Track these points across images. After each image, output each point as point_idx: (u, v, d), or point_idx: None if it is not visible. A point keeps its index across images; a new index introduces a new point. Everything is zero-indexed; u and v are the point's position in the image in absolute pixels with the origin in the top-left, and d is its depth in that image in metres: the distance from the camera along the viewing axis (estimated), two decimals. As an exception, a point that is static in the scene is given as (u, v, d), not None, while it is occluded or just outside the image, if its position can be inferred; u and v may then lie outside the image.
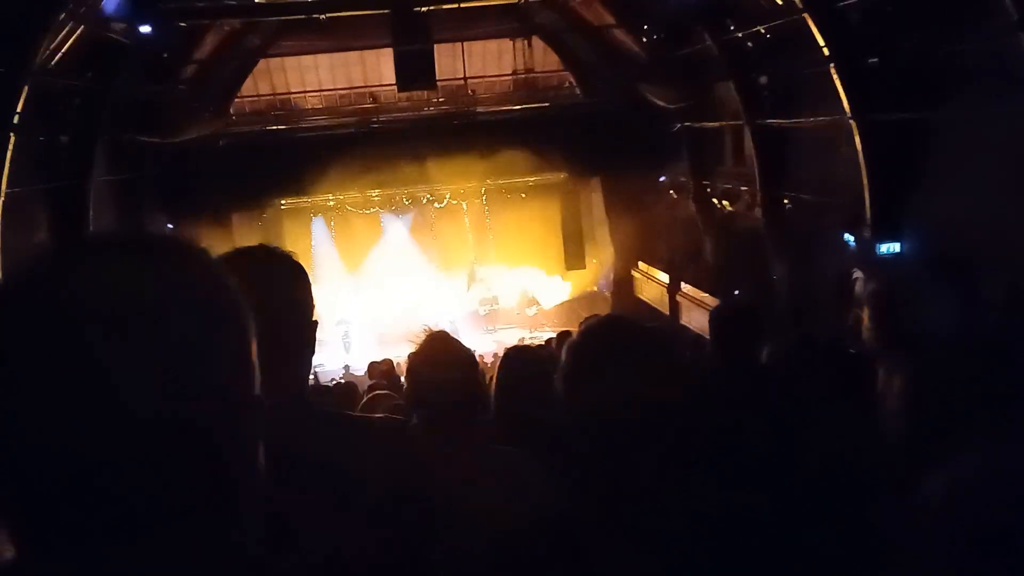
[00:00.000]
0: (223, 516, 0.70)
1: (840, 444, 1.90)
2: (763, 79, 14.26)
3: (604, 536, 1.41)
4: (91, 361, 0.65)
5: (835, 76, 11.49)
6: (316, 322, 1.62)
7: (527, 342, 17.19)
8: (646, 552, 1.39)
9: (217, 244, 0.79)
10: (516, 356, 3.29)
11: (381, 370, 8.44)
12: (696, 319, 15.29)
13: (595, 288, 22.37)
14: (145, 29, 12.80)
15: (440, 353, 2.48)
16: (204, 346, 0.69)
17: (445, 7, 14.68)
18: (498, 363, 3.24)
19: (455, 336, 2.68)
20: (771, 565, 1.41)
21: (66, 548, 0.65)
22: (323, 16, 14.60)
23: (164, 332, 0.67)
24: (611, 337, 1.59)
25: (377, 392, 5.45)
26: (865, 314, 2.02)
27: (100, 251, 0.75)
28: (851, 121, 11.53)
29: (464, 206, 22.18)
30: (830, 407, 2.22)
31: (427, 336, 2.54)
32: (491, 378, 4.33)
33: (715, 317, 3.51)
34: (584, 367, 1.53)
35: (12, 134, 10.79)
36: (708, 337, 3.83)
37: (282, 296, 1.50)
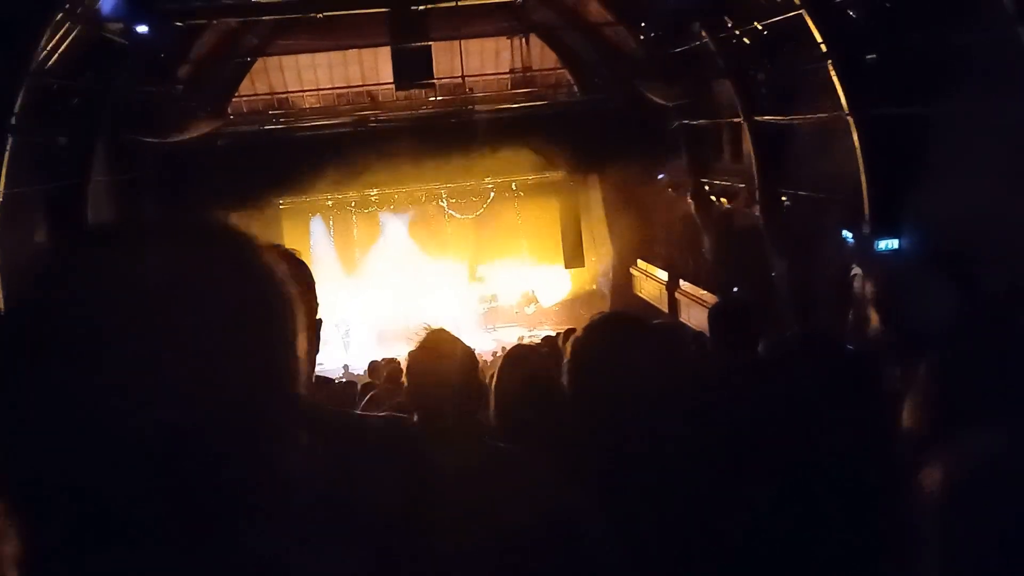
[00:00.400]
0: (251, 521, 0.68)
1: (843, 440, 1.91)
2: (761, 76, 14.26)
3: (606, 531, 1.42)
4: (125, 342, 0.62)
5: (832, 72, 11.49)
6: (320, 321, 1.63)
7: (526, 340, 17.21)
8: (648, 546, 1.39)
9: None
10: (517, 355, 3.29)
11: (388, 371, 8.30)
12: (695, 316, 15.30)
13: (594, 286, 22.39)
14: (143, 29, 12.79)
15: (440, 350, 2.48)
16: (249, 328, 0.67)
17: (442, 5, 14.67)
18: (499, 362, 3.24)
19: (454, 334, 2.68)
20: (775, 560, 1.42)
21: (80, 553, 0.63)
22: (320, 15, 14.58)
23: (204, 314, 0.65)
24: (615, 333, 1.60)
25: (376, 392, 5.45)
26: (870, 310, 2.02)
27: (133, 232, 0.73)
28: (849, 117, 11.53)
29: (462, 204, 22.18)
30: (831, 403, 2.22)
31: (427, 333, 2.54)
32: (491, 376, 4.34)
33: (714, 313, 3.52)
34: (588, 362, 1.53)
35: (10, 135, 10.79)
36: (707, 334, 3.84)
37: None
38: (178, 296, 0.65)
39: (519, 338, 18.68)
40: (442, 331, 2.58)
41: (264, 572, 0.70)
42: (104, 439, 0.62)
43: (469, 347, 2.60)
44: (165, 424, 0.62)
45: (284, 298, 0.72)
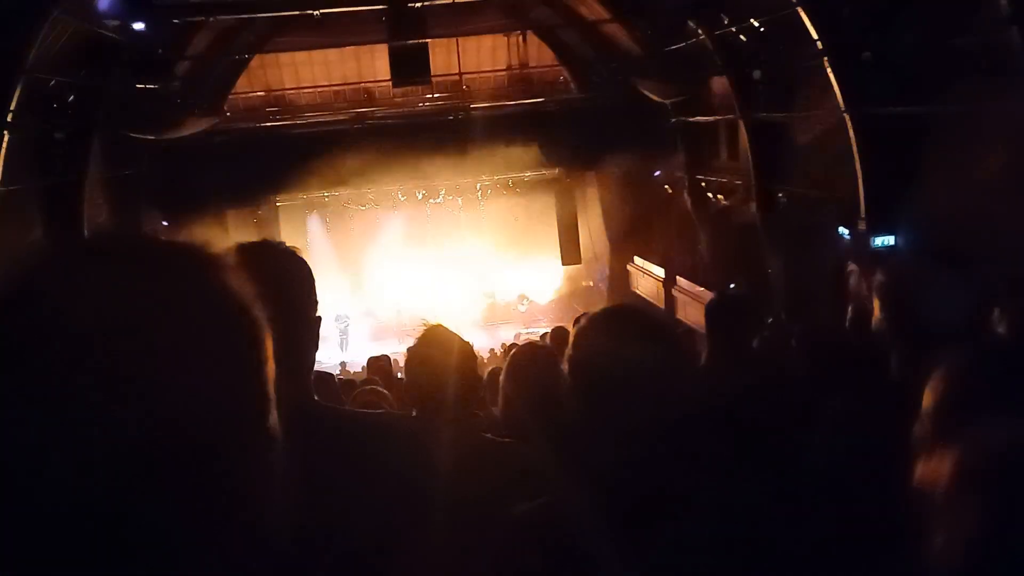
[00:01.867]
0: (237, 530, 0.68)
1: (841, 433, 1.92)
2: (757, 73, 14.25)
3: (610, 526, 1.42)
4: (88, 370, 0.61)
5: (828, 69, 11.50)
6: (320, 318, 1.63)
7: (523, 338, 17.21)
8: (651, 542, 1.40)
9: (212, 241, 0.75)
10: (525, 352, 3.31)
11: (378, 366, 8.41)
12: (691, 313, 15.32)
13: (591, 283, 22.40)
14: (139, 26, 12.76)
15: (438, 346, 2.49)
16: (210, 356, 0.66)
17: (440, 3, 14.64)
18: (508, 359, 3.25)
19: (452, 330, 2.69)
20: (778, 554, 1.43)
21: (65, 567, 0.62)
22: (317, 12, 14.56)
23: (167, 340, 0.64)
24: (617, 323, 1.60)
25: (363, 389, 5.45)
26: (875, 306, 2.02)
27: (100, 255, 0.71)
28: (845, 114, 11.54)
29: (459, 202, 22.18)
30: (828, 397, 2.23)
31: (425, 329, 2.55)
32: (489, 373, 4.35)
33: (712, 307, 3.54)
34: (589, 353, 1.53)
35: (6, 131, 10.76)
36: (703, 330, 3.85)
37: (286, 292, 1.51)
38: (138, 322, 0.64)
39: (516, 335, 18.70)
40: (439, 327, 2.59)
41: None
42: (52, 463, 0.61)
43: (467, 342, 2.62)
44: (120, 445, 0.61)
45: (250, 322, 0.70)
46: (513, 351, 3.41)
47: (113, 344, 0.62)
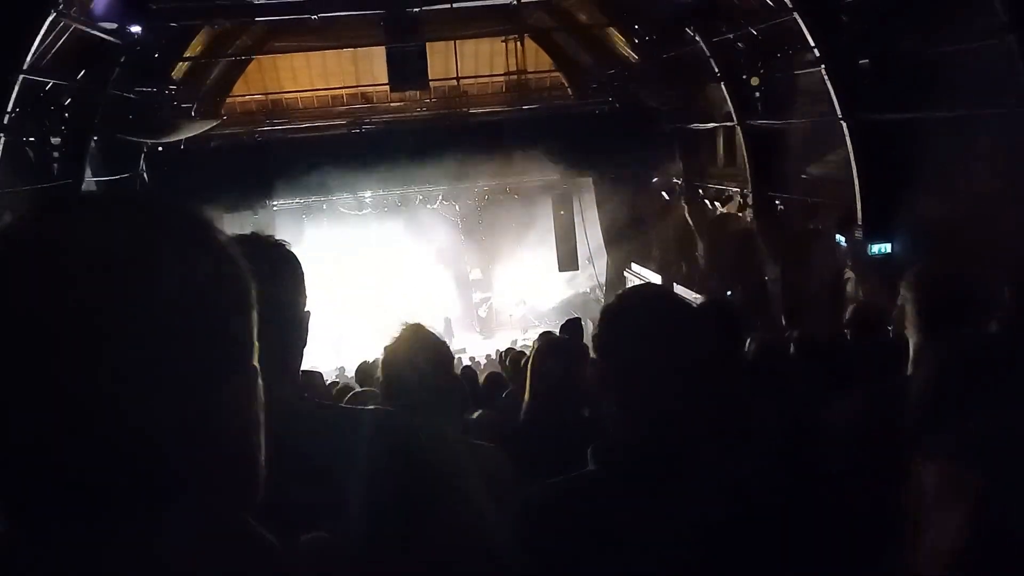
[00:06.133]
0: (226, 491, 0.68)
1: (841, 437, 1.91)
2: (754, 80, 14.28)
3: (630, 513, 1.41)
4: (79, 311, 0.61)
5: (826, 76, 11.52)
6: (309, 313, 1.62)
7: (520, 344, 17.22)
8: (672, 529, 1.39)
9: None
10: (552, 344, 3.37)
11: (362, 367, 8.33)
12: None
13: (588, 289, 22.42)
14: (136, 29, 12.75)
15: (414, 345, 2.50)
16: (202, 303, 0.66)
17: (438, 8, 14.67)
18: (533, 354, 3.28)
19: (436, 332, 2.70)
20: (787, 545, 1.42)
21: (53, 524, 0.62)
22: (315, 16, 14.57)
23: (160, 283, 0.64)
24: (646, 303, 1.59)
25: (357, 392, 5.46)
26: (905, 300, 2.00)
27: (94, 201, 0.72)
28: (842, 122, 11.56)
29: (457, 207, 22.18)
30: (825, 401, 2.22)
31: (402, 329, 2.57)
32: (487, 376, 4.33)
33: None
34: (619, 333, 1.52)
35: (2, 134, 10.75)
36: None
37: (274, 286, 1.49)
38: (136, 268, 0.64)
39: (512, 341, 18.70)
40: (418, 326, 2.60)
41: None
42: (55, 410, 0.61)
43: (443, 341, 2.64)
44: (118, 398, 0.61)
45: (241, 274, 0.71)
46: (537, 346, 3.44)
47: (102, 284, 0.62)
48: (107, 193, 0.75)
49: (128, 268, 0.64)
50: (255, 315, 0.72)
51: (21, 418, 0.61)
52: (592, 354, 1.56)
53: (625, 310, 1.57)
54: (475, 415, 3.79)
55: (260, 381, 0.72)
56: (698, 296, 15.86)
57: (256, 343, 0.72)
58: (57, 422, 0.60)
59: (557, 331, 6.90)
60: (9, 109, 10.78)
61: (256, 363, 0.72)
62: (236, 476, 0.69)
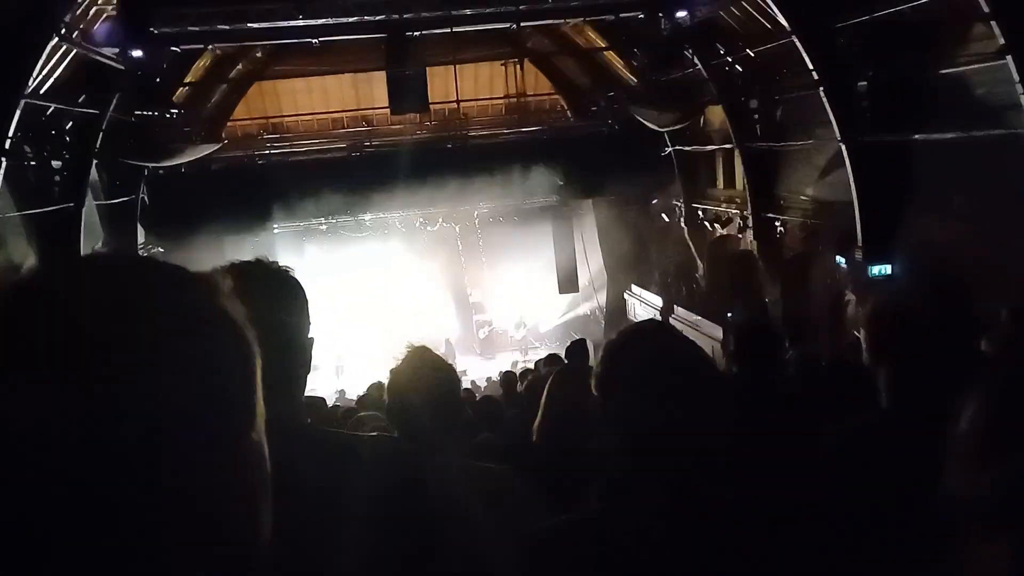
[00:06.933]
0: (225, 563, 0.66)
1: (853, 452, 1.89)
2: (753, 102, 14.35)
3: (632, 554, 1.40)
4: (81, 374, 0.60)
5: (824, 99, 11.57)
6: (312, 339, 1.61)
7: (520, 365, 17.16)
8: (674, 569, 1.38)
9: (208, 267, 0.76)
10: (564, 374, 3.35)
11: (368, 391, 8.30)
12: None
13: (588, 311, 22.38)
14: (137, 54, 12.83)
15: (420, 367, 2.47)
16: (204, 368, 0.65)
17: (438, 32, 14.76)
18: (549, 382, 3.27)
19: (440, 354, 2.68)
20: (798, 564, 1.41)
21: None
22: (316, 40, 14.66)
23: (163, 348, 0.63)
24: (648, 342, 1.58)
25: (361, 415, 5.44)
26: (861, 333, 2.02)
27: (97, 264, 0.71)
28: (841, 144, 11.60)
29: (457, 229, 22.20)
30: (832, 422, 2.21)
31: (409, 351, 2.53)
32: (483, 399, 4.31)
33: (740, 332, 3.50)
34: (619, 371, 1.51)
35: (3, 158, 10.78)
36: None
37: (278, 312, 1.48)
38: (131, 329, 0.63)
39: (512, 363, 18.64)
40: (424, 348, 2.56)
41: None
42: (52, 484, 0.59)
43: (448, 364, 2.60)
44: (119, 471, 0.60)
45: (242, 340, 0.69)
46: (552, 375, 3.43)
47: (104, 348, 0.61)
48: (112, 254, 0.74)
49: (129, 335, 0.62)
50: (259, 380, 0.71)
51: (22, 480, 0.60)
52: (593, 391, 1.54)
53: (625, 348, 1.55)
54: (480, 438, 3.77)
55: (265, 446, 0.71)
56: (699, 318, 15.86)
57: (261, 403, 0.71)
58: (53, 494, 0.59)
59: (562, 353, 6.88)
60: (11, 133, 10.81)
61: (261, 430, 0.71)
62: (237, 550, 0.67)
